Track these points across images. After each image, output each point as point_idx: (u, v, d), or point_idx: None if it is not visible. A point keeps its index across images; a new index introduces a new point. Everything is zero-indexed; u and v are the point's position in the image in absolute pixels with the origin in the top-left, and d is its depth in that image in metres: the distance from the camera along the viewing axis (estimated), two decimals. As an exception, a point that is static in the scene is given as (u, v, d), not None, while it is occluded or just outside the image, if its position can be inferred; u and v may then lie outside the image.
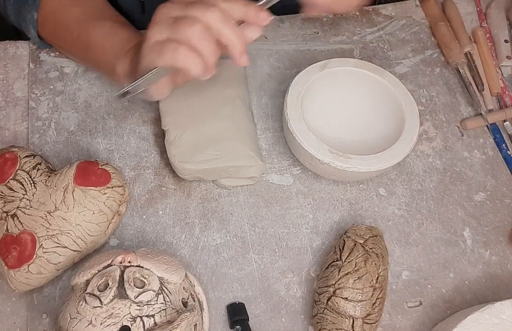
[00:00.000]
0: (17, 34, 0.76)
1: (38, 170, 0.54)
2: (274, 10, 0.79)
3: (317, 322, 0.52)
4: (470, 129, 0.69)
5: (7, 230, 0.51)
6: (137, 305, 0.45)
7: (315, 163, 0.59)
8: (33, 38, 0.68)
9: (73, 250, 0.53)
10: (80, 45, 0.63)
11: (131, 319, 0.44)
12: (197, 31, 0.48)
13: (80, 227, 0.53)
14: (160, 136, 0.65)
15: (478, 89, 0.73)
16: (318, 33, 0.77)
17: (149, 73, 0.52)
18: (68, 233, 0.52)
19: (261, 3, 0.52)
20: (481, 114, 0.70)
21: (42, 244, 0.51)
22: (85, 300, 0.45)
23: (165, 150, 0.61)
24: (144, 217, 0.60)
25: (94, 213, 0.53)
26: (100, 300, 0.44)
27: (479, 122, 0.70)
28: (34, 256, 0.51)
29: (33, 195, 0.53)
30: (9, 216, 0.52)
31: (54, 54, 0.70)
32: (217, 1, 0.49)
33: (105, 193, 0.54)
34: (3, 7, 0.67)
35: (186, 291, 0.49)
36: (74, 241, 0.53)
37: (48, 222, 0.52)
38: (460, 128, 0.70)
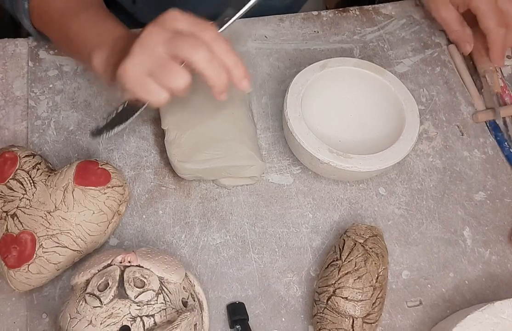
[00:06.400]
0: (16, 32, 0.75)
1: (38, 169, 0.54)
2: (276, 9, 0.80)
3: (317, 322, 0.52)
4: (482, 121, 0.70)
5: (7, 230, 0.51)
6: (137, 305, 0.45)
7: (315, 162, 0.59)
8: (28, 28, 0.67)
9: (73, 250, 0.53)
10: (62, 37, 0.62)
11: (131, 319, 0.44)
12: (181, 81, 0.49)
13: (80, 227, 0.53)
14: (160, 135, 0.65)
15: (476, 86, 0.73)
16: (318, 32, 0.76)
17: (120, 107, 0.54)
18: (68, 232, 0.52)
19: (221, 29, 0.52)
20: (492, 108, 0.70)
21: (42, 244, 0.51)
22: (85, 300, 0.45)
23: (165, 150, 0.61)
24: (144, 216, 0.60)
25: (94, 212, 0.53)
26: (100, 300, 0.44)
27: (490, 115, 0.70)
28: (34, 256, 0.51)
29: (33, 194, 0.53)
30: (9, 216, 0.52)
31: (53, 52, 0.70)
32: (207, 39, 0.48)
33: (105, 193, 0.54)
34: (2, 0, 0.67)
35: (186, 291, 0.49)
36: (74, 241, 0.52)
37: (48, 222, 0.52)
38: (460, 127, 0.70)
